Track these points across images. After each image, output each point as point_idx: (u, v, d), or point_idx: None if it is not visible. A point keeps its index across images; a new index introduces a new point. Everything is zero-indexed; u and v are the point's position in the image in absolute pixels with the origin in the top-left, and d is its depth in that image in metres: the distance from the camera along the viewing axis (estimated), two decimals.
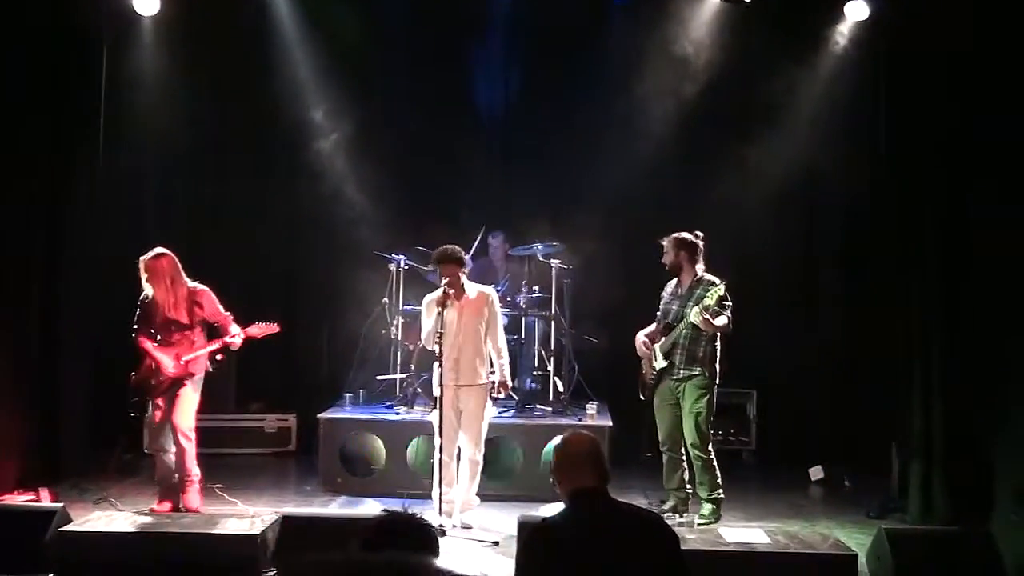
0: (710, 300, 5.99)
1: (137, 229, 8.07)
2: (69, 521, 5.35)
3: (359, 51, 8.61)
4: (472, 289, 6.40)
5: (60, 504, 5.62)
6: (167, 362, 6.24)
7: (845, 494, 7.57)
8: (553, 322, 8.02)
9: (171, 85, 8.23)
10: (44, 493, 6.60)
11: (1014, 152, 5.78)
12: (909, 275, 6.88)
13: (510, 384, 6.63)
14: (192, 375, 6.30)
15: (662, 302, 6.50)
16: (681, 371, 6.26)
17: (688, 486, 6.39)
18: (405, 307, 8.01)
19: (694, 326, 6.13)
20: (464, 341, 6.25)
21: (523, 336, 8.04)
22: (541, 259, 8.00)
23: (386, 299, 8.01)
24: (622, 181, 8.51)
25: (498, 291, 7.78)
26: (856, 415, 8.17)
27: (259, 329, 6.40)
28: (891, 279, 7.28)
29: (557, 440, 3.30)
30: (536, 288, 8.09)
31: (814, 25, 8.15)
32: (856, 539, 5.87)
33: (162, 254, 6.28)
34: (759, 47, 8.26)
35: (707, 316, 6.03)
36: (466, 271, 6.44)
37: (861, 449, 7.93)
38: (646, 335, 6.51)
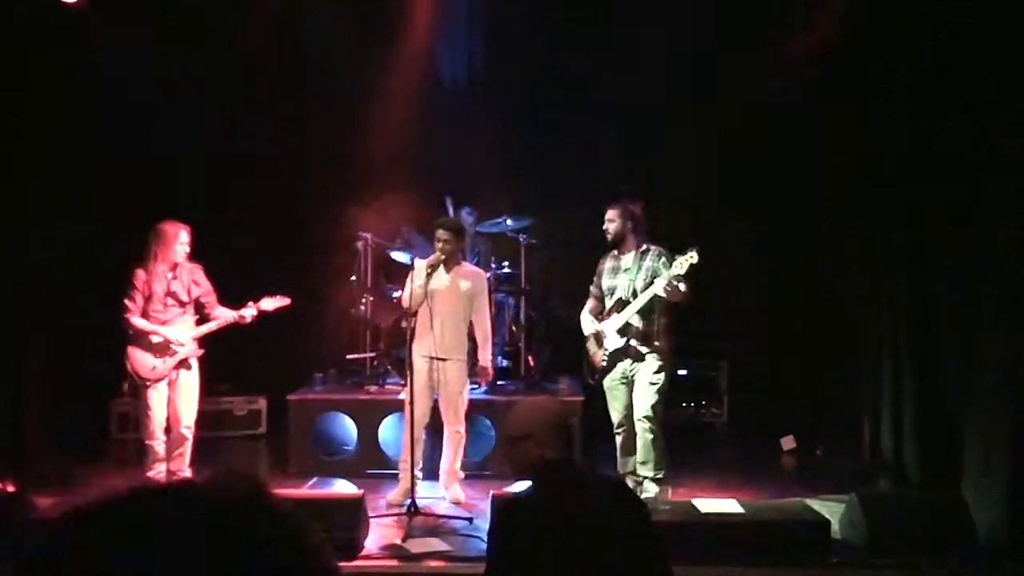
0: (680, 270, 5.65)
1: (98, 208, 7.93)
2: (33, 509, 5.25)
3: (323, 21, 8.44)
4: (466, 266, 6.52)
5: (21, 492, 5.52)
6: (180, 337, 6.03)
7: (817, 463, 7.60)
8: (523, 298, 7.97)
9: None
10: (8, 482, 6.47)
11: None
12: (882, 248, 6.91)
13: (489, 370, 6.51)
14: (197, 355, 6.14)
15: (603, 278, 6.13)
16: (636, 348, 5.94)
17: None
18: (388, 288, 7.87)
19: (648, 300, 5.82)
20: (446, 313, 6.22)
21: (493, 312, 7.97)
22: (509, 234, 7.93)
23: (354, 277, 7.92)
24: (591, 152, 8.45)
25: None
26: (827, 384, 8.20)
27: (271, 303, 6.22)
28: (864, 252, 7.29)
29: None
30: (506, 263, 8.03)
31: None
32: (829, 506, 5.87)
33: (180, 222, 6.11)
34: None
35: (679, 286, 5.66)
36: (460, 243, 6.56)
37: (832, 418, 7.96)
38: (591, 312, 6.19)
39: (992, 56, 5.67)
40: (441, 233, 6.26)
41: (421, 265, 6.24)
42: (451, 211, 8.21)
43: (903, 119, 6.56)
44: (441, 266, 6.26)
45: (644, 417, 5.89)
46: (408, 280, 6.29)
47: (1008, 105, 5.55)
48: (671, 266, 5.71)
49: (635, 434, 5.99)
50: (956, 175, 5.95)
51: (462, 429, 6.38)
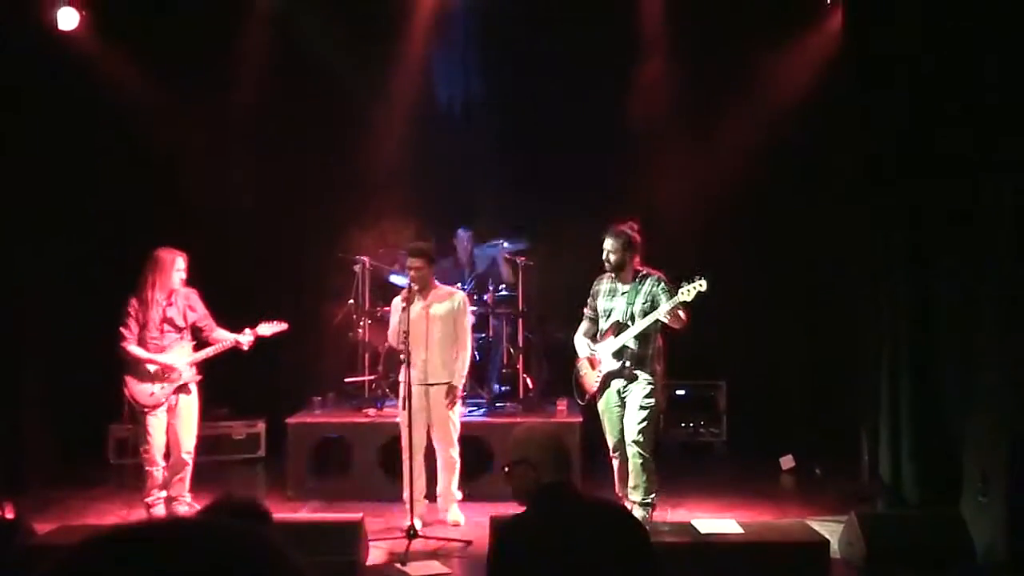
0: (687, 297, 5.59)
1: (88, 231, 7.99)
2: (31, 535, 5.24)
3: (320, 46, 8.52)
4: (442, 288, 6.42)
5: (19, 517, 5.51)
6: (178, 363, 6.04)
7: (816, 482, 7.60)
8: (520, 319, 7.99)
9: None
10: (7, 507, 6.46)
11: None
12: (882, 248, 6.93)
13: (458, 391, 6.36)
14: (196, 380, 6.16)
15: (599, 299, 6.06)
16: (631, 371, 5.89)
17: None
18: (386, 312, 7.85)
19: (647, 325, 5.78)
20: (431, 340, 6.21)
21: (491, 334, 8.00)
22: (507, 257, 7.96)
23: (352, 300, 7.93)
24: (588, 174, 8.50)
25: (465, 289, 7.75)
26: (826, 404, 8.21)
27: (268, 328, 6.22)
28: (864, 252, 7.32)
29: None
30: (503, 285, 8.05)
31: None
32: (828, 526, 5.89)
33: (176, 248, 6.12)
34: (732, 31, 8.26)
35: (680, 313, 5.66)
36: (433, 267, 6.45)
37: (832, 437, 7.96)
38: (585, 335, 6.14)
39: (992, 56, 5.70)
40: (412, 261, 6.21)
41: (397, 299, 6.25)
42: (461, 232, 8.23)
43: (903, 119, 6.57)
44: (417, 294, 6.22)
45: (634, 442, 5.85)
46: (392, 316, 6.32)
47: (1008, 105, 5.57)
48: (672, 292, 5.68)
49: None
50: (956, 175, 5.96)
51: (455, 451, 6.37)
